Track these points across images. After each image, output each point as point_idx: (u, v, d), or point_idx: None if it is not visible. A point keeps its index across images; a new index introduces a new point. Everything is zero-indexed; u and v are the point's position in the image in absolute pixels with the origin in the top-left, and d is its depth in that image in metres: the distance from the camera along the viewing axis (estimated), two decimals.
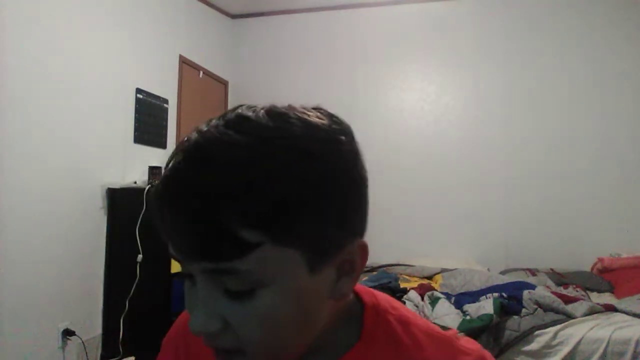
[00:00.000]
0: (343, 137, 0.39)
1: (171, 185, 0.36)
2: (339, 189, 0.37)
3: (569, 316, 2.24)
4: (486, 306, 2.24)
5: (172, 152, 0.38)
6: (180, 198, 0.35)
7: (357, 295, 0.48)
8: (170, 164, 0.37)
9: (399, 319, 0.46)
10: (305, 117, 0.38)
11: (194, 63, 3.69)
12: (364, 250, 0.41)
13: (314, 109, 0.41)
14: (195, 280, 0.38)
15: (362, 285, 0.50)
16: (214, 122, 0.38)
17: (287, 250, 0.36)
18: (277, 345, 0.39)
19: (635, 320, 2.21)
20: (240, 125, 0.36)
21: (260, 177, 0.34)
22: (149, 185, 2.69)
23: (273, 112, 0.38)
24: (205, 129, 0.37)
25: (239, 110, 0.38)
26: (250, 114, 0.37)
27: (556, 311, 2.26)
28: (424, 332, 0.46)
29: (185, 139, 0.38)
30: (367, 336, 0.45)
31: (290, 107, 0.39)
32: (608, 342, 2.06)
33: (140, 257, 2.59)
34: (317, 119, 0.39)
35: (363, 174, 0.41)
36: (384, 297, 0.49)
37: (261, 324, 0.37)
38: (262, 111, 0.38)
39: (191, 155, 0.36)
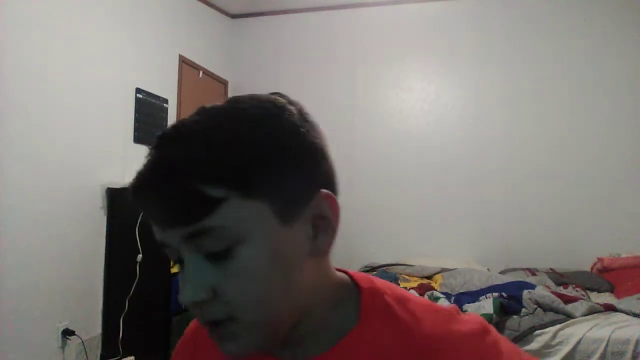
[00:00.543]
0: (290, 107, 0.44)
1: (144, 170, 0.40)
2: (288, 146, 0.41)
3: (569, 316, 2.24)
4: (486, 306, 2.24)
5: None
6: (152, 177, 0.39)
7: (354, 281, 0.49)
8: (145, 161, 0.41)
9: (396, 298, 0.47)
10: (256, 96, 0.44)
11: (194, 63, 3.69)
12: (332, 201, 0.43)
13: (271, 94, 0.46)
14: (182, 260, 0.41)
15: (361, 273, 0.51)
16: None
17: (254, 203, 0.39)
18: (268, 306, 0.40)
19: (635, 320, 2.21)
20: (201, 111, 0.42)
21: (216, 142, 0.39)
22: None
23: (230, 98, 0.44)
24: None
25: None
26: (212, 104, 0.43)
27: (556, 311, 2.26)
28: (422, 307, 0.46)
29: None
30: (365, 318, 0.45)
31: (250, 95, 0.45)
32: (608, 342, 2.06)
33: (140, 257, 2.59)
34: (266, 97, 0.44)
35: (313, 134, 0.44)
36: (380, 281, 0.50)
37: (246, 282, 0.39)
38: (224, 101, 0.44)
39: (160, 140, 0.41)
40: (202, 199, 0.38)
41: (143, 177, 0.40)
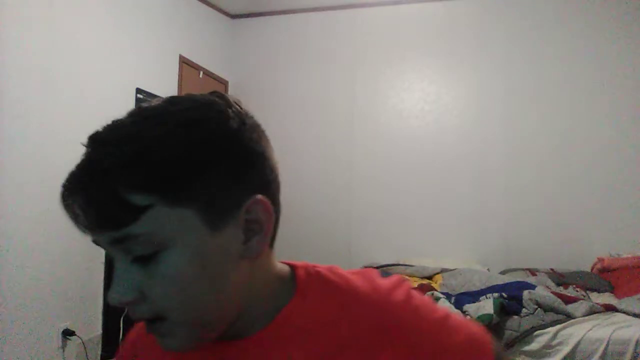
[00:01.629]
0: (227, 109, 0.42)
1: (74, 171, 0.39)
2: (220, 151, 0.40)
3: (569, 316, 2.24)
4: (486, 306, 2.24)
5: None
6: (79, 179, 0.38)
7: (292, 268, 0.51)
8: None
9: (328, 269, 0.50)
10: (192, 97, 0.43)
11: (194, 63, 3.69)
12: (265, 205, 0.43)
13: (210, 93, 0.45)
14: (113, 258, 0.41)
15: (303, 262, 0.53)
16: None
17: (180, 210, 0.39)
18: (194, 308, 0.41)
19: (635, 320, 2.21)
20: (136, 111, 0.41)
21: (141, 146, 0.38)
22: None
23: (167, 98, 0.43)
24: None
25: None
26: (147, 103, 0.42)
27: (556, 311, 2.26)
28: (350, 272, 0.50)
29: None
30: (301, 289, 0.47)
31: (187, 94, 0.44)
32: (608, 342, 2.06)
33: None
34: (202, 98, 0.43)
35: (250, 136, 0.43)
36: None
37: (170, 286, 0.39)
38: (160, 99, 0.43)
39: (91, 140, 0.40)
40: (127, 206, 0.37)
41: (71, 179, 0.39)
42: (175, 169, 0.38)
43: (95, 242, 0.42)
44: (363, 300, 0.46)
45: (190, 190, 0.39)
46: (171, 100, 0.42)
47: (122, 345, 0.58)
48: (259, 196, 0.42)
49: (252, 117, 0.45)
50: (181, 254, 0.39)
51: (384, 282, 0.49)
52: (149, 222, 0.38)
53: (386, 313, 0.46)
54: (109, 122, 0.41)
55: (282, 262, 0.51)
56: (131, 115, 0.41)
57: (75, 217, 0.40)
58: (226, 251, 0.42)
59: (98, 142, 0.40)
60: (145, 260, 0.39)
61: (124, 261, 0.40)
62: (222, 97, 0.44)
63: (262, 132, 0.45)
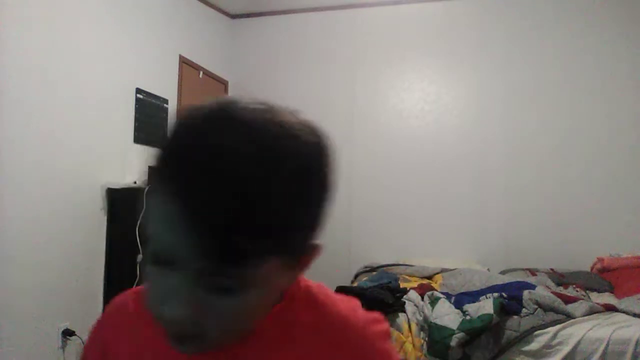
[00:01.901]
0: (330, 158, 0.42)
1: (183, 191, 0.35)
2: (324, 204, 0.41)
3: (569, 316, 2.24)
4: (486, 306, 2.24)
5: (170, 152, 0.38)
6: (191, 208, 0.35)
7: None
8: (177, 163, 0.36)
9: (317, 285, 0.51)
10: (302, 133, 0.39)
11: (194, 63, 3.69)
12: (319, 252, 0.44)
13: (301, 121, 0.41)
14: (173, 266, 0.38)
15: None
16: (212, 119, 0.37)
17: (276, 258, 0.38)
18: (233, 333, 0.42)
19: (635, 320, 2.21)
20: (243, 130, 0.36)
21: (269, 195, 0.35)
22: (149, 185, 2.69)
23: (268, 108, 0.38)
24: (208, 127, 0.37)
25: (239, 109, 0.38)
26: (250, 115, 0.37)
27: (556, 311, 2.26)
28: (335, 295, 0.51)
29: (187, 135, 0.37)
30: (288, 297, 0.48)
31: (285, 115, 0.39)
32: (608, 342, 2.06)
33: (140, 257, 2.59)
34: (307, 125, 0.40)
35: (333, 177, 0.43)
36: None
37: (235, 318, 0.40)
38: (261, 118, 0.37)
39: (189, 168, 0.35)
40: (239, 249, 0.35)
41: (181, 201, 0.35)
42: (292, 223, 0.37)
43: (160, 255, 0.39)
44: (344, 323, 0.48)
45: (293, 243, 0.39)
46: (278, 114, 0.38)
47: (90, 340, 0.55)
48: (321, 244, 0.43)
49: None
50: (256, 295, 0.39)
51: (366, 314, 0.50)
52: (248, 267, 0.37)
53: (364, 341, 0.47)
54: (209, 143, 0.35)
55: None
56: (238, 134, 0.36)
57: (158, 230, 0.38)
58: (282, 286, 0.44)
59: (215, 170, 0.35)
60: (221, 291, 0.38)
61: (194, 283, 0.37)
62: (321, 136, 0.42)
63: None
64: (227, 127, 0.36)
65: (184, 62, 3.56)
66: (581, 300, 2.40)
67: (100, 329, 0.55)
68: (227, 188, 0.34)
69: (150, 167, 0.39)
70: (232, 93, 4.24)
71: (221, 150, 0.35)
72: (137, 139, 2.99)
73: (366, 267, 3.30)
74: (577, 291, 2.74)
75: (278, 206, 0.36)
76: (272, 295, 0.43)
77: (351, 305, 0.50)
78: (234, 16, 4.31)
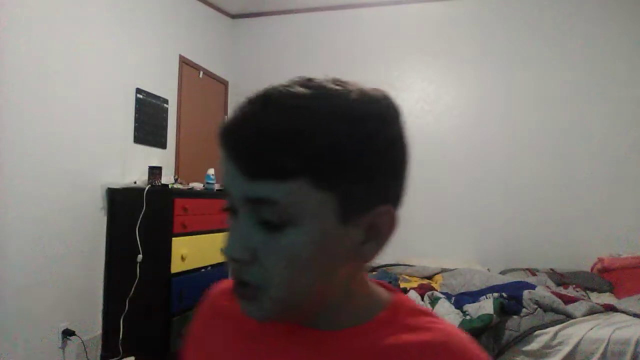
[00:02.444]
0: (394, 113, 0.45)
1: (238, 118, 0.41)
2: (378, 151, 0.42)
3: (569, 316, 2.24)
4: (486, 306, 2.24)
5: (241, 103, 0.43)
6: (242, 128, 0.40)
7: (385, 289, 0.52)
8: (239, 107, 0.42)
9: (419, 306, 0.50)
10: (363, 87, 0.44)
11: (194, 63, 3.69)
12: (392, 219, 0.45)
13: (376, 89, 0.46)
14: (237, 214, 0.42)
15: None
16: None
17: (322, 194, 0.40)
18: (294, 289, 0.42)
19: (635, 320, 2.21)
20: (304, 82, 0.43)
21: (314, 122, 0.39)
22: (149, 185, 2.69)
23: (334, 78, 0.45)
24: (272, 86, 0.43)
25: (303, 75, 0.45)
26: (313, 78, 0.45)
27: (556, 311, 2.26)
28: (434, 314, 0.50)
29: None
30: (393, 307, 0.48)
31: (350, 81, 0.45)
32: (608, 342, 2.06)
33: (140, 257, 2.59)
34: (372, 91, 0.45)
35: (407, 149, 0.45)
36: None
37: (286, 259, 0.40)
38: (324, 77, 0.45)
39: (258, 98, 0.42)
40: (280, 166, 0.38)
41: (234, 126, 0.41)
42: (336, 155, 0.39)
43: (227, 191, 0.43)
44: (453, 339, 0.45)
45: (339, 179, 0.40)
46: (342, 83, 0.44)
47: (201, 306, 0.59)
48: (392, 209, 0.44)
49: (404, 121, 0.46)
50: (305, 235, 0.40)
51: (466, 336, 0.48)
52: (291, 192, 0.39)
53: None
54: (277, 86, 0.43)
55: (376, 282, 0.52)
56: (305, 85, 0.42)
57: (229, 155, 0.41)
58: (343, 246, 0.42)
59: (267, 101, 0.41)
60: (270, 227, 0.40)
61: (249, 222, 0.41)
62: (385, 95, 0.46)
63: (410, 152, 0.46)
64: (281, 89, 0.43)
65: (184, 62, 3.56)
66: (581, 300, 2.40)
67: (193, 320, 0.58)
68: (274, 114, 0.40)
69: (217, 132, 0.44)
70: (232, 93, 4.25)
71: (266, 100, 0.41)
72: (137, 139, 2.99)
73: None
74: (577, 291, 2.74)
75: (311, 132, 0.39)
76: (328, 247, 0.41)
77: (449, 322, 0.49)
78: (234, 16, 4.31)
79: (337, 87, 0.43)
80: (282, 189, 0.39)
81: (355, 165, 0.40)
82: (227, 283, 0.57)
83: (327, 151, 0.39)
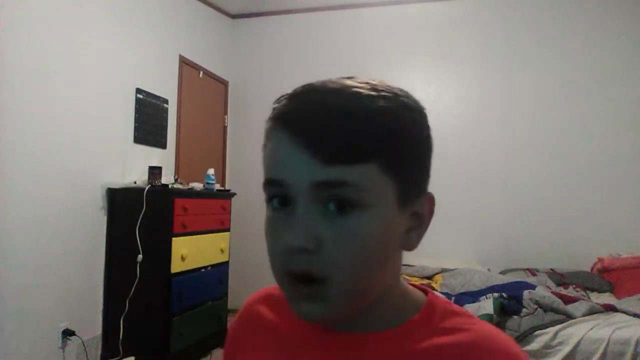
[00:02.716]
0: (424, 111, 0.48)
1: (304, 104, 0.43)
2: (427, 140, 0.46)
3: (569, 316, 2.24)
4: (486, 306, 2.24)
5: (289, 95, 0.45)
6: (315, 113, 0.41)
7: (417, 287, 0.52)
8: (291, 97, 0.44)
9: (454, 306, 0.50)
10: (401, 90, 0.47)
11: (194, 63, 3.69)
12: (431, 203, 0.47)
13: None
14: (294, 202, 0.41)
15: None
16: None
17: (388, 179, 0.41)
18: (362, 274, 0.41)
19: (635, 320, 2.21)
20: (349, 78, 0.47)
21: (382, 107, 0.41)
22: (149, 185, 2.69)
23: (372, 82, 0.47)
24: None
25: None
26: (353, 76, 0.49)
27: (556, 311, 2.26)
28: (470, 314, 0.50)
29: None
30: (427, 308, 0.47)
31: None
32: (608, 342, 2.06)
33: (140, 257, 2.59)
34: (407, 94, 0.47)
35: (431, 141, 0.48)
36: None
37: (354, 245, 0.40)
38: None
39: (319, 87, 0.44)
40: (354, 147, 0.40)
41: (312, 105, 0.42)
42: (402, 139, 0.42)
43: (279, 181, 0.42)
44: (492, 339, 0.44)
45: (403, 165, 0.42)
46: (383, 83, 0.46)
47: (237, 318, 0.59)
48: (432, 194, 0.47)
49: None
50: (373, 218, 0.41)
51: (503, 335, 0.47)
52: (362, 175, 0.40)
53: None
54: (336, 78, 0.46)
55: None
56: (361, 81, 0.45)
57: (302, 140, 0.40)
58: (398, 232, 0.44)
59: (336, 90, 0.43)
60: (338, 213, 0.40)
61: (313, 209, 0.41)
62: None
63: None
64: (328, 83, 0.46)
65: (184, 62, 3.56)
66: (581, 300, 2.40)
67: (233, 322, 0.59)
68: (347, 100, 0.41)
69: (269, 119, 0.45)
70: (232, 93, 4.24)
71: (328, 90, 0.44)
72: (137, 139, 2.99)
73: None
74: (577, 291, 2.74)
75: (384, 119, 0.41)
76: (390, 234, 0.43)
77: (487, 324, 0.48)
78: (234, 16, 4.31)
79: (387, 85, 0.46)
80: (355, 172, 0.40)
81: (414, 151, 0.44)
82: (263, 291, 0.57)
83: (395, 134, 0.41)
